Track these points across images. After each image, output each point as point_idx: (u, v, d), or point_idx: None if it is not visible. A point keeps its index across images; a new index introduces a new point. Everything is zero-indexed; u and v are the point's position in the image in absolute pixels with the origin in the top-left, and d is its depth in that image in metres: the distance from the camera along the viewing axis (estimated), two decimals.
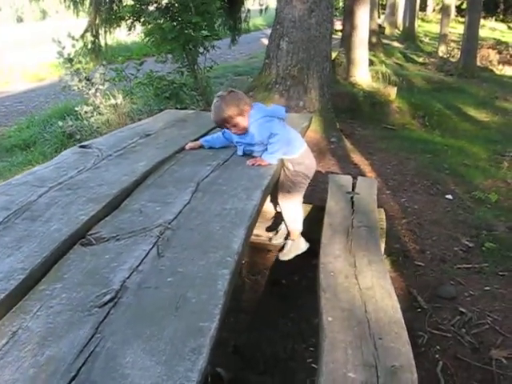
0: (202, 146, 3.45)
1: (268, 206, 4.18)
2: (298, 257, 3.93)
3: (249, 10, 12.57)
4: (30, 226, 2.14)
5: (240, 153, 3.29)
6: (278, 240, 4.10)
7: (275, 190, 3.70)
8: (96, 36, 9.62)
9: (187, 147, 3.44)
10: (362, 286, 2.75)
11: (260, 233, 4.22)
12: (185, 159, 3.21)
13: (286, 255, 3.87)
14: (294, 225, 3.80)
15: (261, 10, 14.68)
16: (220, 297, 1.67)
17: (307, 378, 2.85)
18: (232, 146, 3.37)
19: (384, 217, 4.07)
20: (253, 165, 3.08)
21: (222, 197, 2.54)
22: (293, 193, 3.65)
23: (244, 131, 3.21)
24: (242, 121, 3.17)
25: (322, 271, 2.91)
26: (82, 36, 9.43)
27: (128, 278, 1.78)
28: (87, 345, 1.44)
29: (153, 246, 2.01)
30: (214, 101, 3.21)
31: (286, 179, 3.60)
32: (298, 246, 3.86)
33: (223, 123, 3.20)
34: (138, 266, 1.86)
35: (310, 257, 3.68)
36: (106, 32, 9.71)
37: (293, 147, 3.42)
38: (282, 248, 3.98)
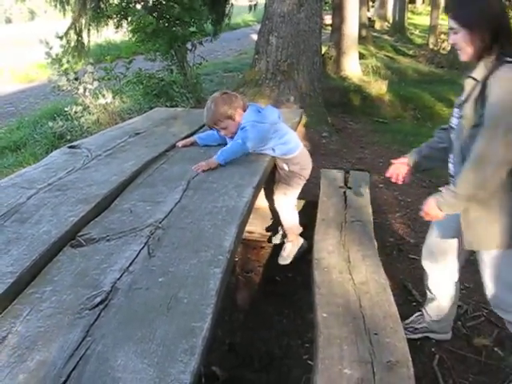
0: (194, 143, 3.43)
1: (264, 203, 4.15)
2: None
3: (232, 5, 12.49)
4: (18, 229, 2.11)
5: None
6: (277, 240, 4.12)
7: (271, 190, 3.70)
8: (79, 34, 9.54)
9: (180, 145, 3.41)
10: (357, 280, 2.74)
11: (253, 229, 4.20)
12: (175, 157, 3.18)
13: (286, 259, 3.85)
14: (292, 225, 3.80)
15: (250, 7, 14.58)
16: (212, 296, 1.65)
17: (303, 375, 2.82)
18: (224, 144, 3.35)
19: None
20: (197, 169, 2.91)
21: (213, 195, 2.53)
22: (288, 194, 3.64)
23: (234, 134, 3.18)
24: (231, 124, 3.15)
25: (316, 267, 2.89)
26: (66, 34, 9.35)
27: (119, 279, 1.76)
28: (78, 348, 1.43)
29: (143, 246, 1.99)
30: (208, 102, 3.19)
31: (282, 180, 3.59)
32: (296, 246, 3.85)
33: (213, 125, 3.19)
34: (128, 267, 1.84)
35: (304, 253, 3.67)
36: (89, 30, 9.61)
37: (289, 148, 3.42)
38: (280, 249, 3.95)
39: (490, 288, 2.62)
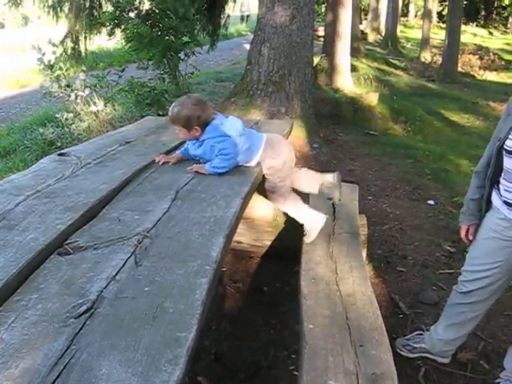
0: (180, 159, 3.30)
1: (253, 214, 4.15)
2: (279, 264, 3.93)
3: (229, 16, 12.53)
4: (6, 236, 2.10)
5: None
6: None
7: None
8: (76, 42, 9.55)
9: (170, 163, 3.24)
10: (343, 292, 2.75)
11: (242, 240, 4.20)
12: (164, 166, 3.17)
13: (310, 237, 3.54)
14: (310, 223, 3.53)
15: (242, 17, 14.58)
16: (198, 306, 1.65)
17: None
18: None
19: (365, 223, 4.07)
20: (191, 169, 3.02)
21: (201, 204, 2.53)
22: (277, 198, 3.49)
23: (192, 138, 3.13)
24: (185, 133, 3.09)
25: (304, 278, 2.91)
26: (62, 42, 9.36)
27: (105, 287, 1.76)
28: (62, 357, 1.42)
29: (131, 255, 1.99)
30: (181, 99, 3.09)
31: (267, 187, 3.47)
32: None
33: (172, 123, 3.11)
34: (115, 276, 1.83)
35: (292, 263, 3.67)
36: (86, 38, 9.63)
37: (249, 154, 3.23)
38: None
39: None
